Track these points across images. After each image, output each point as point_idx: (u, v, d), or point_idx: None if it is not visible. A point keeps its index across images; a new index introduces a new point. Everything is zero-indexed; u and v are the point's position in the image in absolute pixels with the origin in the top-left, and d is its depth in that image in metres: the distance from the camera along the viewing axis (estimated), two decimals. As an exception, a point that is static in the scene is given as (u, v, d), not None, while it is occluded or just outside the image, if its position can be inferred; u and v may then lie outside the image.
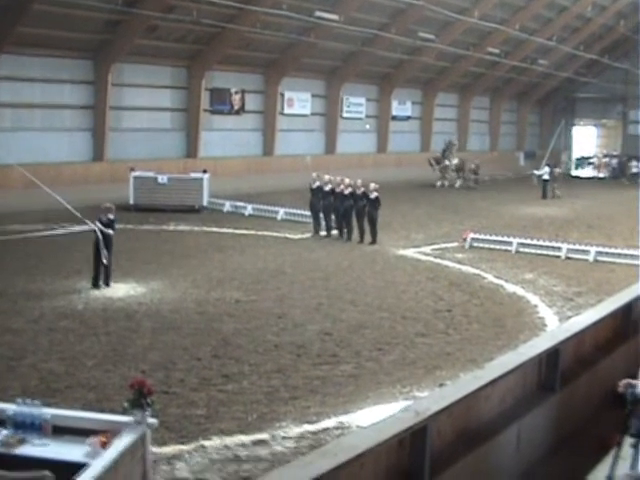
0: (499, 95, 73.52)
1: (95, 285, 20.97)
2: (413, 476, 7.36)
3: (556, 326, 18.04)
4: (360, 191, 29.74)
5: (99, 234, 20.80)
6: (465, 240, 29.35)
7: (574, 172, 69.41)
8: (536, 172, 50.20)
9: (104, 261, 20.97)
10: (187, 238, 29.85)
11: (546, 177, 48.17)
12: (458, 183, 52.66)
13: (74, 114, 42.50)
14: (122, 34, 41.23)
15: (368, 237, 29.33)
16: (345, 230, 30.05)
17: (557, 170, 49.45)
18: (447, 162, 52.83)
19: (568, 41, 66.92)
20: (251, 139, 52.32)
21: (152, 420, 8.02)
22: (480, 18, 55.57)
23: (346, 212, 29.83)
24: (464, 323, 18.99)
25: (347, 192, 29.84)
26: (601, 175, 67.10)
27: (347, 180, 30.37)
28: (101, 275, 21.09)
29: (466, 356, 16.39)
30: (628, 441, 8.04)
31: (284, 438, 12.07)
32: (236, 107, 50.94)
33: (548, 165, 49.18)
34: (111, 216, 21.14)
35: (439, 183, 52.17)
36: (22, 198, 34.89)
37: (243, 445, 11.77)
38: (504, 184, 53.76)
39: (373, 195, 29.34)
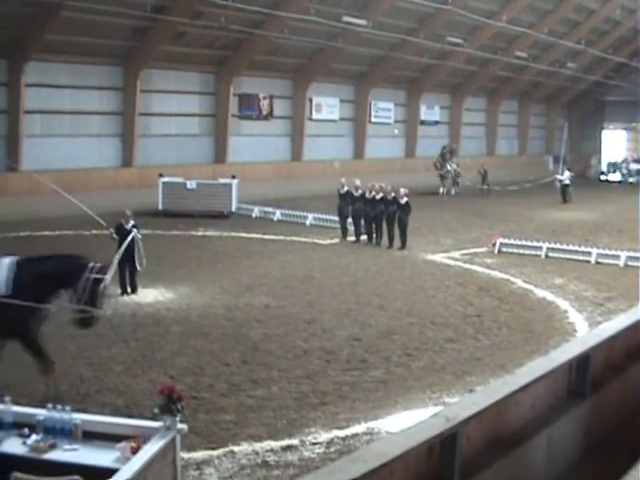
0: (528, 99, 73.22)
1: (124, 291, 21.08)
2: (443, 483, 7.32)
3: (586, 331, 17.95)
4: (391, 196, 29.75)
5: (139, 242, 21.06)
6: (494, 245, 29.23)
7: (604, 177, 68.89)
8: (559, 177, 49.75)
9: (139, 268, 21.14)
10: (216, 243, 29.92)
11: (567, 182, 48.18)
12: (453, 190, 51.36)
13: (103, 120, 42.70)
14: (150, 40, 41.39)
15: (397, 242, 29.30)
16: (375, 235, 30.05)
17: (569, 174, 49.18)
18: (448, 167, 51.59)
19: (596, 44, 66.61)
20: (279, 144, 52.35)
21: (182, 426, 8.04)
22: (508, 22, 55.38)
23: (377, 217, 29.84)
24: (494, 328, 18.93)
25: (378, 197, 29.85)
26: (631, 180, 66.53)
27: (378, 185, 30.37)
28: (127, 281, 21.22)
29: (496, 362, 16.34)
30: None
31: (313, 444, 12.06)
32: (264, 112, 51.02)
33: (568, 169, 49.12)
34: (132, 222, 21.30)
35: (442, 190, 50.98)
36: (52, 204, 35.03)
37: (272, 451, 11.78)
38: (527, 190, 52.91)
39: (404, 200, 29.36)
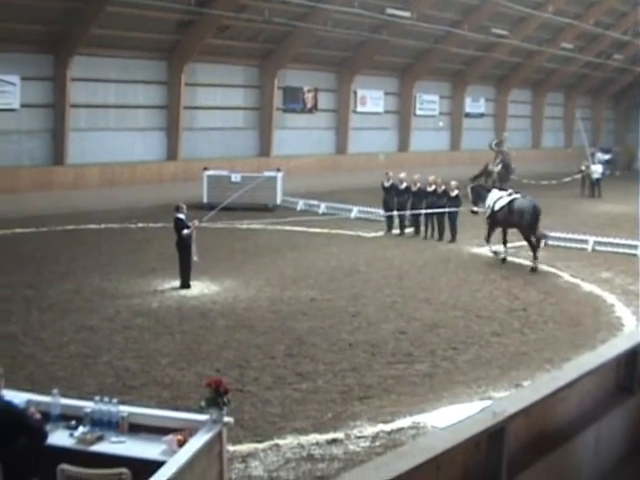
0: (573, 91, 72.59)
1: (186, 285, 21.02)
2: (490, 478, 7.28)
3: (634, 326, 17.81)
4: (441, 189, 29.67)
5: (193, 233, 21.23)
6: (540, 238, 28.95)
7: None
8: (589, 171, 48.49)
9: (195, 258, 21.19)
10: (261, 236, 29.97)
11: (597, 176, 47.38)
12: None
13: (148, 114, 42.87)
14: (194, 34, 41.50)
15: (447, 235, 29.26)
16: (424, 229, 29.99)
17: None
18: (492, 167, 44.92)
19: (644, 36, 65.97)
20: (324, 137, 52.28)
21: (228, 419, 8.06)
22: (554, 13, 54.91)
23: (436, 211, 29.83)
24: (539, 322, 18.82)
25: (430, 189, 29.79)
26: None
27: (431, 178, 30.28)
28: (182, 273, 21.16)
29: (542, 356, 16.24)
30: None
31: (358, 437, 12.06)
32: (309, 105, 50.98)
33: (600, 163, 48.48)
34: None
35: None
36: (98, 197, 35.35)
37: (317, 444, 11.79)
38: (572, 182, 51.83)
39: (454, 193, 29.29)
